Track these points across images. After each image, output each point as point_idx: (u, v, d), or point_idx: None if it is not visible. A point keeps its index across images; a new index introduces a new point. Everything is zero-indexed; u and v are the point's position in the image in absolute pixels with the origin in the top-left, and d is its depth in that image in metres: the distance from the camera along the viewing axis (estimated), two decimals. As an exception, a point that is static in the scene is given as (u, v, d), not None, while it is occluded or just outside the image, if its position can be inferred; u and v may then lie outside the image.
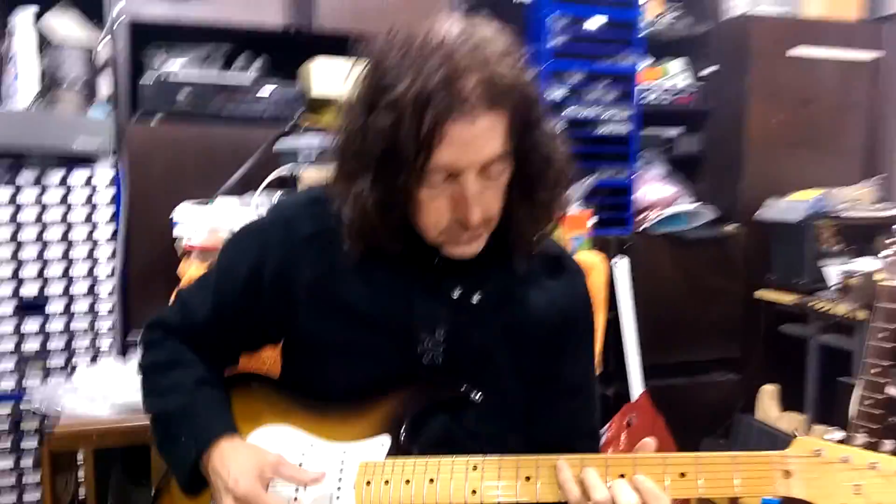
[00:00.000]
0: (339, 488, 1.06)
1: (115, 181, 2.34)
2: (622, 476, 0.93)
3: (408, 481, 1.02)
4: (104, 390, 1.79)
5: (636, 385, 2.59)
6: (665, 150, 3.07)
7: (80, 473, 2.10)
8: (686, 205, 2.89)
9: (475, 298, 1.11)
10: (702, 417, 2.69)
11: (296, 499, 1.07)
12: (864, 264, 2.59)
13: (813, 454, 0.88)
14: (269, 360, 1.67)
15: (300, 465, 1.10)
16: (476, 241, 1.04)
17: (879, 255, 1.59)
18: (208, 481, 1.08)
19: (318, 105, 2.55)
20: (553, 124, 1.07)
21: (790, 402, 2.57)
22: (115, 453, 1.91)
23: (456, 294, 1.11)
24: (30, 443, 2.17)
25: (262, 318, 1.17)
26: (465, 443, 1.09)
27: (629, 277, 2.66)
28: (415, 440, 1.08)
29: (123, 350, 2.27)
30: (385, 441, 1.07)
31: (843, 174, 3.02)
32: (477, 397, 1.10)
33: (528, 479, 0.97)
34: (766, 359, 2.88)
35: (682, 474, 0.92)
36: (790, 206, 2.73)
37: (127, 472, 1.96)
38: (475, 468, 1.00)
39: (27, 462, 2.17)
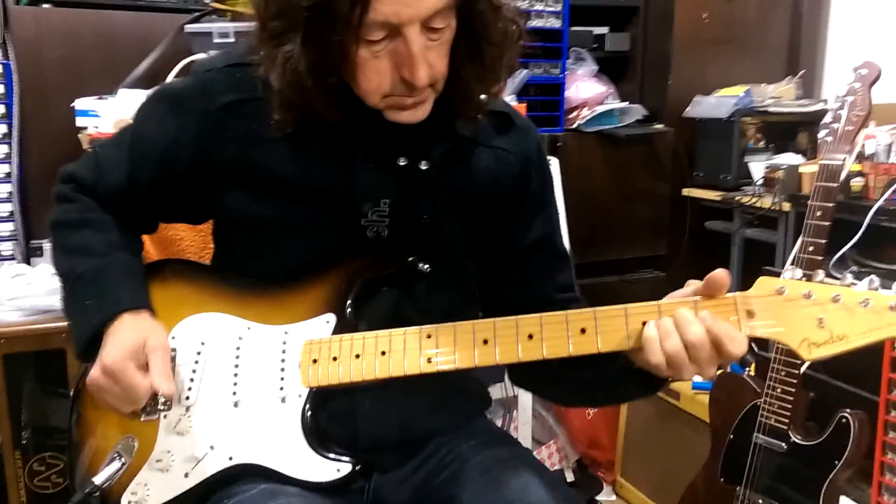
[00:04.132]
0: (282, 370, 0.99)
1: (4, 73, 2.11)
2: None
3: (358, 356, 0.96)
4: (9, 294, 1.64)
5: (568, 283, 2.59)
6: (594, 48, 3.00)
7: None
8: (617, 103, 2.85)
9: (423, 165, 1.03)
10: (630, 313, 2.73)
11: (235, 384, 1.00)
12: (787, 159, 2.63)
13: (775, 293, 0.87)
14: (190, 248, 1.57)
15: (237, 348, 1.02)
16: (423, 106, 0.96)
17: (819, 136, 1.59)
18: None
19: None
20: None
21: (715, 295, 2.63)
22: (27, 362, 1.77)
23: (402, 162, 1.03)
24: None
25: (182, 194, 1.08)
26: (415, 318, 1.03)
27: (560, 176, 2.62)
28: (362, 316, 1.01)
29: (27, 256, 2.09)
30: (330, 319, 1.00)
31: (766, 71, 3.03)
32: (425, 268, 1.03)
33: (485, 342, 0.92)
34: (693, 255, 2.92)
35: (644, 322, 0.89)
36: (718, 102, 2.73)
37: (40, 381, 1.83)
38: (429, 336, 0.95)
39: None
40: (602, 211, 2.82)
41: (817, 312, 0.85)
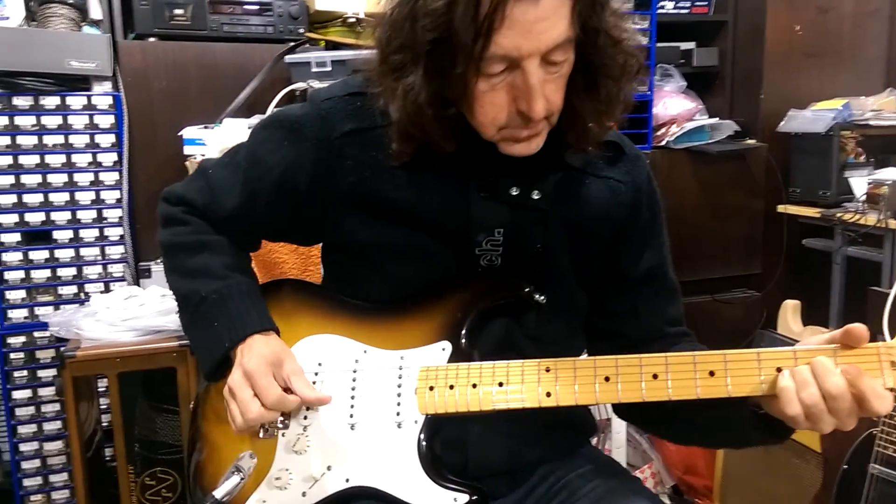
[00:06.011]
0: (398, 395, 1.00)
1: (115, 104, 2.22)
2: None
3: (475, 385, 0.96)
4: (123, 315, 1.73)
5: (659, 303, 2.54)
6: (681, 63, 2.95)
7: (103, 401, 2.06)
8: (706, 119, 2.79)
9: (535, 195, 1.03)
10: (724, 334, 2.66)
11: (352, 406, 1.02)
12: (890, 173, 2.52)
13: None
14: (292, 271, 1.61)
15: (354, 371, 1.04)
16: (536, 139, 0.96)
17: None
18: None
19: (322, 20, 2.43)
20: (621, 4, 0.97)
21: (814, 316, 2.54)
22: (138, 381, 1.85)
23: (514, 191, 1.03)
24: (46, 372, 2.11)
25: (296, 218, 1.10)
26: (524, 346, 1.04)
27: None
28: (475, 345, 1.02)
29: (137, 278, 2.19)
30: (446, 346, 1.01)
31: (863, 84, 2.93)
32: (541, 299, 1.03)
33: (607, 379, 0.91)
34: (789, 274, 2.83)
35: (779, 369, 0.86)
36: (815, 116, 2.64)
37: (150, 398, 1.91)
38: (548, 370, 0.94)
39: (45, 392, 2.11)
40: (693, 229, 2.76)
41: None
